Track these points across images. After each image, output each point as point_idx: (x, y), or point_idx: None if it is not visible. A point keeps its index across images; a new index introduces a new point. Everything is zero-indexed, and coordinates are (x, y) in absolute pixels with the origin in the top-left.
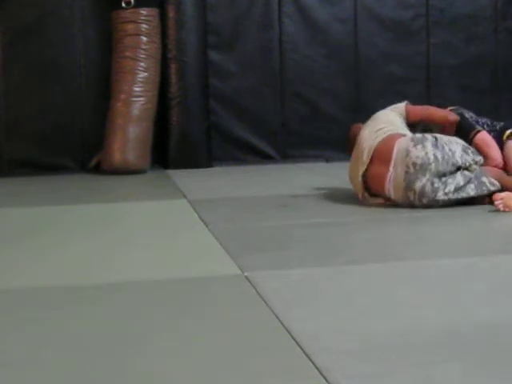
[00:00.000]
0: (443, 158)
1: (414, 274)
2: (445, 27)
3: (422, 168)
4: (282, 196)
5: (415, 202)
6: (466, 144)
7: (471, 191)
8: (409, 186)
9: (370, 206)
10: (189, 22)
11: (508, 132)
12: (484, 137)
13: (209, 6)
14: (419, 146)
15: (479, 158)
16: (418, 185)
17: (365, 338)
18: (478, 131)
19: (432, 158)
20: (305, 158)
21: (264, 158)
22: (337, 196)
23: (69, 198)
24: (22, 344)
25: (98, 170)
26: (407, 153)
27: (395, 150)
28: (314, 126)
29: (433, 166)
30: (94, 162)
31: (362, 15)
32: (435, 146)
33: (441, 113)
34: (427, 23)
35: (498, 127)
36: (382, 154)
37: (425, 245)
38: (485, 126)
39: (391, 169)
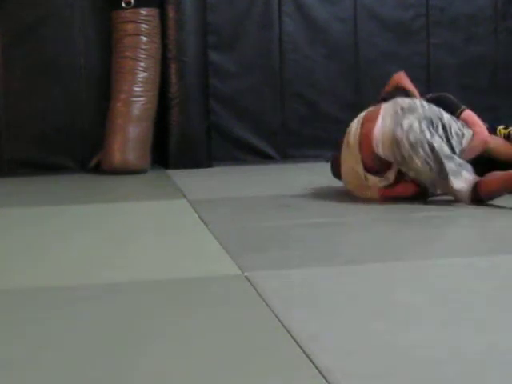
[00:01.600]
0: (430, 108)
1: (414, 274)
2: (445, 27)
3: (410, 109)
4: (282, 196)
5: (403, 141)
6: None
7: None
8: (397, 122)
9: (372, 200)
10: (189, 22)
11: (501, 128)
12: (469, 114)
13: (209, 5)
14: (406, 99)
15: (468, 131)
16: (406, 122)
17: (365, 337)
18: (464, 109)
19: (419, 104)
20: (305, 157)
21: (264, 157)
22: (337, 196)
23: (69, 197)
24: (22, 344)
25: (98, 170)
26: (394, 101)
27: (382, 109)
28: (313, 126)
29: (420, 110)
30: (94, 162)
31: (362, 15)
32: (422, 103)
33: (391, 82)
34: (427, 23)
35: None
36: (369, 118)
37: (425, 245)
38: None
39: (380, 120)
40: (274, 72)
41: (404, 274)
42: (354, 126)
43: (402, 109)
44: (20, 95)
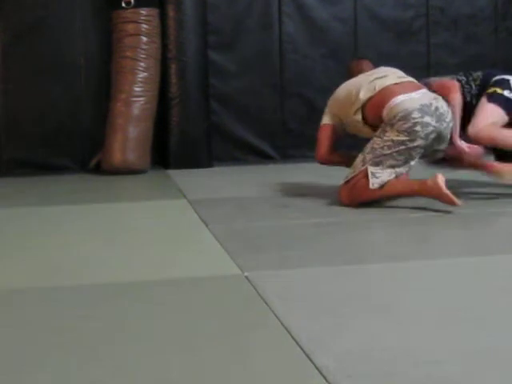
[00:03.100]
0: (448, 128)
1: (413, 274)
2: (445, 27)
3: (439, 115)
4: (282, 196)
5: (406, 118)
6: None
7: None
8: (421, 108)
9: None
10: (189, 22)
11: (492, 90)
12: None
13: (209, 5)
14: (447, 107)
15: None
16: (427, 118)
17: (365, 337)
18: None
19: (447, 120)
20: (305, 158)
21: (264, 157)
22: (337, 196)
23: (69, 198)
24: (22, 344)
25: (98, 169)
26: (438, 97)
27: (425, 90)
28: (314, 126)
29: (443, 124)
30: (93, 162)
31: (362, 15)
32: (449, 122)
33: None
34: (427, 23)
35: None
36: (407, 85)
37: (425, 245)
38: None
39: (414, 93)
40: (274, 72)
41: (404, 273)
42: (391, 77)
43: (436, 108)
44: (20, 95)
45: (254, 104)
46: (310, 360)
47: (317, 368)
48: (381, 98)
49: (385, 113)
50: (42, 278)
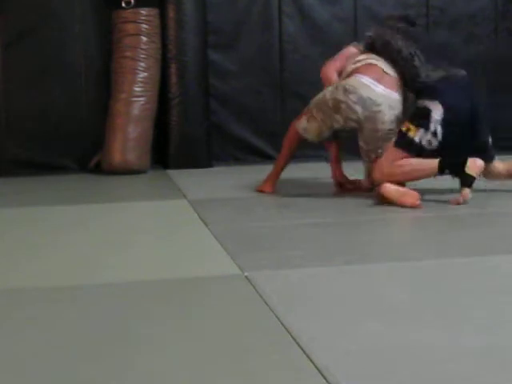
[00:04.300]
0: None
1: (414, 274)
2: (445, 27)
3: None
4: (282, 196)
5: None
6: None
7: None
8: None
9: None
10: (189, 22)
11: (406, 128)
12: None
13: (209, 5)
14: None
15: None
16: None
17: (365, 337)
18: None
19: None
20: (305, 158)
21: (264, 157)
22: (337, 196)
23: (69, 198)
24: (21, 344)
25: (98, 170)
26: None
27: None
28: None
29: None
30: (93, 162)
31: (362, 15)
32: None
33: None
34: (427, 23)
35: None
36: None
37: (425, 245)
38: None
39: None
40: (274, 72)
41: (404, 274)
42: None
43: (377, 112)
44: (20, 95)
45: (254, 104)
46: (310, 360)
47: (317, 368)
48: (364, 69)
49: (349, 78)
50: (42, 277)
